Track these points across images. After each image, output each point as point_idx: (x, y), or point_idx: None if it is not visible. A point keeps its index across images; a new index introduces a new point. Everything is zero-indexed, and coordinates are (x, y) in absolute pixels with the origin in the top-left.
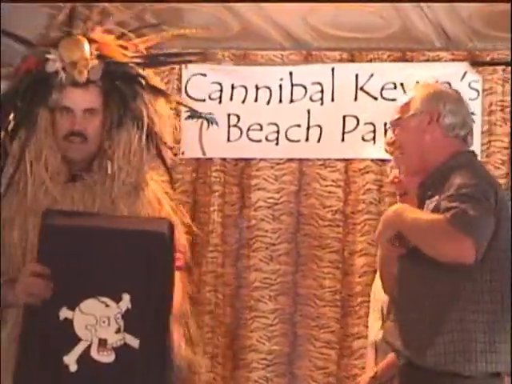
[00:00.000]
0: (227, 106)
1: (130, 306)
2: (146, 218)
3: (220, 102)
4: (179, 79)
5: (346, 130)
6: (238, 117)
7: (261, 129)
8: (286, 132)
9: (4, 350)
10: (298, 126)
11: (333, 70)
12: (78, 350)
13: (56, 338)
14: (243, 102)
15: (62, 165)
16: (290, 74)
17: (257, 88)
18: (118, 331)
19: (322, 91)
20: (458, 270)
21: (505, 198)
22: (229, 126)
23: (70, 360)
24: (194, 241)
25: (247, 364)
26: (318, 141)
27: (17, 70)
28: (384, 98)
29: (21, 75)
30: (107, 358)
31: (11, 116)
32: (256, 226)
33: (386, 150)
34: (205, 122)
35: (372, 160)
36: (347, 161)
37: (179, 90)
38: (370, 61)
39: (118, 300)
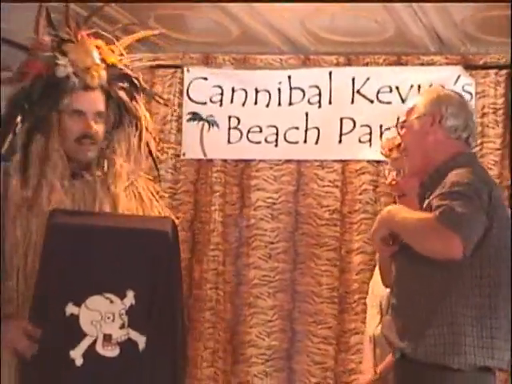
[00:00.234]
0: (228, 109)
1: (133, 303)
2: (151, 218)
3: (221, 104)
4: (181, 83)
5: (342, 132)
6: (238, 119)
7: (260, 131)
8: (284, 134)
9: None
10: (297, 128)
11: (330, 73)
12: (84, 344)
13: (62, 333)
14: (243, 104)
15: (67, 166)
16: (289, 77)
17: (256, 91)
18: (122, 327)
19: (319, 94)
20: (450, 266)
21: (501, 197)
22: (229, 128)
23: (76, 354)
24: (195, 239)
25: (247, 359)
26: (316, 142)
27: (23, 74)
28: (380, 101)
29: (30, 79)
30: (112, 352)
31: (19, 118)
32: (255, 225)
33: (382, 152)
34: (206, 124)
35: (368, 161)
36: (344, 162)
37: (181, 93)
38: (366, 65)
39: (122, 296)
